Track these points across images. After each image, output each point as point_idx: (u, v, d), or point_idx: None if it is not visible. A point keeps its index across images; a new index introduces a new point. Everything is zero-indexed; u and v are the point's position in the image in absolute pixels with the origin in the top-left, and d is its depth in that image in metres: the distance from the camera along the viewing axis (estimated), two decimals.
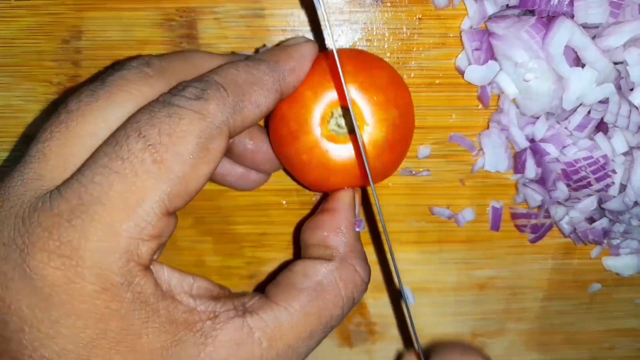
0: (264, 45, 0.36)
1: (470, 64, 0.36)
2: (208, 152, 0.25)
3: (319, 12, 0.32)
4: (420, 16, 0.36)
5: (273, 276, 0.30)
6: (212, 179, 0.34)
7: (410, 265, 0.42)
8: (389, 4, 0.36)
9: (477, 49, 0.35)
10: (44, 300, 0.22)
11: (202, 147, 0.24)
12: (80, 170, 0.24)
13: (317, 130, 0.31)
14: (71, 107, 0.25)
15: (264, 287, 0.28)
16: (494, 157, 0.38)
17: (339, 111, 0.31)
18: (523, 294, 0.43)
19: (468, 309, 0.44)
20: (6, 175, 0.25)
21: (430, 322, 0.44)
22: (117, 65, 0.27)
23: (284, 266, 0.30)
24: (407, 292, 0.38)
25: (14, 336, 0.23)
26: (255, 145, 0.33)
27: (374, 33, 0.36)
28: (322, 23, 0.34)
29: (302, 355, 0.27)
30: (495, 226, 0.41)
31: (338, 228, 0.30)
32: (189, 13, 0.35)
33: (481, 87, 0.37)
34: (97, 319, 0.23)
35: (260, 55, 0.30)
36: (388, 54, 0.37)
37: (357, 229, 0.31)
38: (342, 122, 0.31)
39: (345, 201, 0.32)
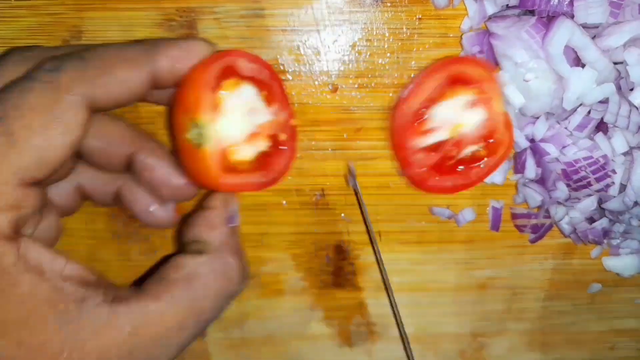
0: None
1: None
2: (62, 123, 0.25)
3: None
4: (420, 16, 0.36)
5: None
6: (122, 205, 0.34)
7: (410, 265, 0.42)
8: (389, 4, 0.36)
9: (480, 52, 0.35)
10: None
11: (54, 118, 0.25)
12: None
13: (183, 135, 0.31)
14: None
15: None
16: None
17: (197, 123, 0.31)
18: (523, 294, 0.43)
19: (468, 309, 0.44)
20: None
21: (431, 322, 0.44)
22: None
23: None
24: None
25: None
26: (154, 162, 0.33)
27: (374, 33, 0.36)
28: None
29: (174, 346, 0.28)
30: (495, 226, 0.41)
31: (211, 223, 0.32)
32: (189, 13, 0.35)
33: None
34: None
35: (141, 40, 0.30)
36: (388, 54, 0.37)
37: (230, 225, 0.32)
38: (201, 133, 0.31)
39: (220, 199, 0.33)
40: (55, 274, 0.26)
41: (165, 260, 0.30)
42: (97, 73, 0.27)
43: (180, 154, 0.32)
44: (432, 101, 0.35)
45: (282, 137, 0.34)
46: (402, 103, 0.35)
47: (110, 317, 0.26)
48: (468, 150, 0.36)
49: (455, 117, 0.35)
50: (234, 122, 0.32)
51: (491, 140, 0.35)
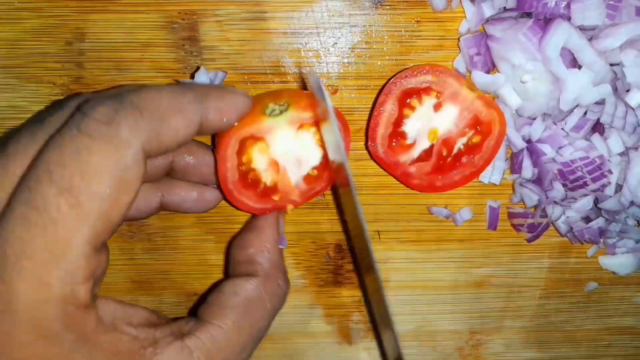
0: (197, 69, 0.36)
1: (467, 67, 0.36)
2: (126, 182, 0.24)
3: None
4: (418, 19, 0.36)
5: (203, 298, 0.31)
6: (168, 209, 0.34)
7: (408, 263, 0.42)
8: (387, 7, 0.36)
9: (477, 54, 0.36)
10: None
11: (119, 179, 0.24)
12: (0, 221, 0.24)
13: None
14: None
15: (196, 310, 0.30)
16: (490, 169, 0.38)
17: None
18: (520, 293, 0.44)
19: (466, 306, 0.44)
20: None
21: (429, 319, 0.44)
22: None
23: (213, 288, 0.31)
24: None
25: None
26: (197, 159, 0.34)
27: (373, 35, 0.37)
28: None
29: None
30: (493, 225, 0.41)
31: (264, 246, 0.33)
32: (191, 15, 0.36)
33: None
34: None
35: (193, 85, 0.30)
36: (387, 57, 0.37)
37: (280, 247, 0.34)
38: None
39: (270, 221, 0.34)
40: (128, 324, 0.26)
41: (216, 284, 0.32)
42: (154, 124, 0.25)
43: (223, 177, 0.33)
44: (398, 122, 0.36)
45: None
46: (373, 132, 0.36)
47: (185, 353, 0.26)
48: (459, 145, 0.36)
49: (427, 124, 0.36)
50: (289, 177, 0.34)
51: (478, 128, 0.36)
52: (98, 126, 0.24)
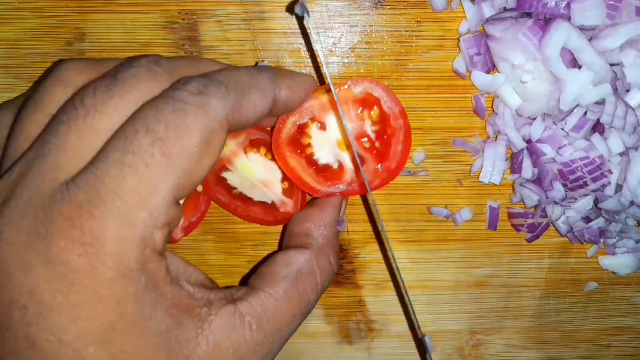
0: (262, 61, 0.37)
1: (467, 67, 0.36)
2: (210, 145, 0.26)
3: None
4: (418, 19, 0.36)
5: (252, 272, 0.32)
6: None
7: (408, 263, 0.42)
8: (388, 7, 0.36)
9: (477, 54, 0.36)
10: (66, 285, 0.23)
11: (205, 140, 0.26)
12: (94, 163, 0.25)
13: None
14: (87, 102, 0.26)
15: (246, 282, 0.31)
16: (490, 169, 0.38)
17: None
18: (520, 292, 0.44)
19: (466, 306, 0.44)
20: (22, 167, 0.25)
21: (429, 319, 0.44)
22: (127, 62, 0.28)
23: (263, 262, 0.32)
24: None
25: (33, 320, 0.23)
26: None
27: (373, 36, 0.37)
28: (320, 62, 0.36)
29: (285, 338, 0.30)
30: (493, 225, 0.41)
31: (322, 222, 0.34)
32: (191, 16, 0.36)
33: (475, 99, 0.37)
34: (117, 302, 0.24)
35: (262, 67, 0.32)
36: (387, 57, 0.37)
37: (338, 228, 0.35)
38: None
39: (333, 201, 0.35)
40: (187, 281, 0.27)
41: (267, 257, 0.33)
42: (236, 98, 0.28)
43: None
44: (312, 163, 0.36)
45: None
46: (308, 189, 0.36)
47: (237, 317, 0.27)
48: (369, 132, 0.36)
49: (330, 143, 0.36)
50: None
51: (363, 108, 0.35)
52: (191, 95, 0.26)
